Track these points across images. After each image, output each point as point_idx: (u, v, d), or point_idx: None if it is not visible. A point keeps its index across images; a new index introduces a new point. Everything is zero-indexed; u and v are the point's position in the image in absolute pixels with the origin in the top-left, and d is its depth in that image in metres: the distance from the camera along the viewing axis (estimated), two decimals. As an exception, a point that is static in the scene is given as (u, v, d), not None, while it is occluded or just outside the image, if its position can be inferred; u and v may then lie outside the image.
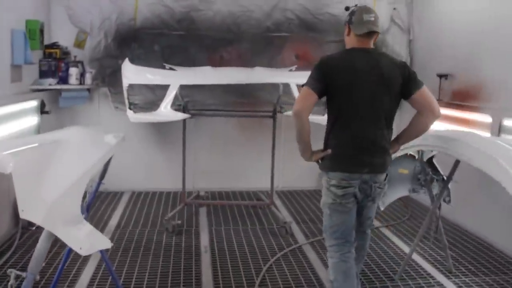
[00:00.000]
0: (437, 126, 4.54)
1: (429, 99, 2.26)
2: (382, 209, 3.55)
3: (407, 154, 3.16)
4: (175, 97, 3.72)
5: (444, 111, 4.58)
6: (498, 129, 3.67)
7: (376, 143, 2.25)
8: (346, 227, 2.31)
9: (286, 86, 3.97)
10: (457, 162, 2.90)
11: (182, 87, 3.83)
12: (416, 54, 4.91)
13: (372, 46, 2.30)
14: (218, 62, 4.76)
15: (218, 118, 4.66)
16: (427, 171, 3.29)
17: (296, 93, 3.86)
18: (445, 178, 3.12)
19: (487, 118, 3.82)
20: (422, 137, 2.60)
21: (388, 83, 2.22)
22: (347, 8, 2.43)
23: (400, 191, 3.50)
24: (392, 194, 3.49)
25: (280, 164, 5.09)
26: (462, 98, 4.16)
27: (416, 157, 3.26)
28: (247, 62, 4.70)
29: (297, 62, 4.86)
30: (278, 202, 4.72)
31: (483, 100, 3.89)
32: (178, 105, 4.00)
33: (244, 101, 4.87)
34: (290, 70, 4.22)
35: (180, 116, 3.73)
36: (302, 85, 2.25)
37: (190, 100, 4.72)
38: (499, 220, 3.59)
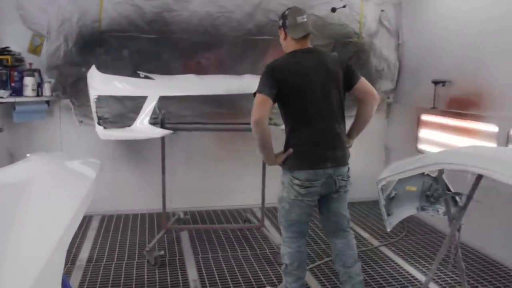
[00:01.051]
0: (432, 134, 4.47)
1: (368, 86, 2.46)
2: (388, 230, 3.22)
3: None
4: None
5: (440, 119, 4.40)
6: (506, 140, 3.43)
7: (336, 136, 2.39)
8: (305, 221, 2.48)
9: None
10: (479, 178, 2.61)
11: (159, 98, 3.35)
12: (407, 59, 4.63)
13: (309, 44, 2.43)
14: (194, 68, 4.29)
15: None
16: (436, 187, 3.01)
17: None
18: (457, 197, 2.84)
19: (492, 128, 3.58)
20: (443, 155, 2.43)
21: (334, 77, 2.36)
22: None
23: (408, 210, 3.18)
24: (399, 213, 3.16)
25: (268, 180, 4.69)
26: (462, 106, 3.90)
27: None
28: (227, 69, 4.27)
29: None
30: (266, 221, 4.30)
31: (487, 108, 3.64)
32: (154, 119, 3.51)
33: (224, 112, 4.42)
34: None
35: (159, 132, 3.23)
36: (254, 93, 2.33)
37: (165, 112, 4.25)
38: None
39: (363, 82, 2.46)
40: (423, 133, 4.41)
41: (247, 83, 3.56)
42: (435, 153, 3.20)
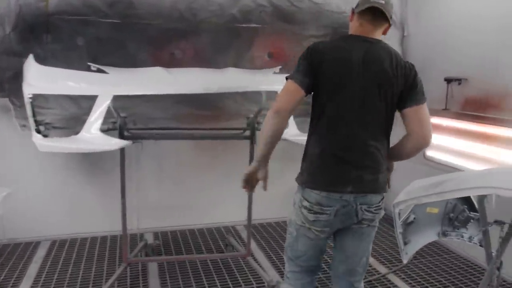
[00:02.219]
0: (444, 140, 3.91)
1: (424, 121, 1.88)
2: (405, 262, 2.68)
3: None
4: (108, 112, 2.51)
5: (453, 123, 3.87)
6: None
7: (368, 154, 1.84)
8: (314, 255, 1.99)
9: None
10: None
11: (117, 97, 2.62)
12: (413, 53, 4.04)
13: (377, 36, 1.89)
14: (167, 61, 3.57)
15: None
16: (462, 208, 2.48)
17: None
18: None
19: (519, 134, 3.06)
20: (488, 176, 2.06)
21: (387, 81, 1.82)
22: None
23: (427, 236, 2.63)
24: (417, 240, 2.63)
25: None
26: (480, 108, 3.36)
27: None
28: (206, 62, 3.57)
29: (270, 62, 3.82)
30: (252, 243, 3.64)
31: (511, 110, 3.12)
32: (112, 123, 2.79)
33: (204, 114, 3.73)
34: (275, 73, 3.15)
35: (115, 143, 2.48)
36: (286, 78, 1.86)
37: (130, 114, 3.51)
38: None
39: (421, 111, 1.86)
40: (433, 138, 3.84)
41: (230, 79, 2.88)
42: (472, 173, 2.66)
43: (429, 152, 3.87)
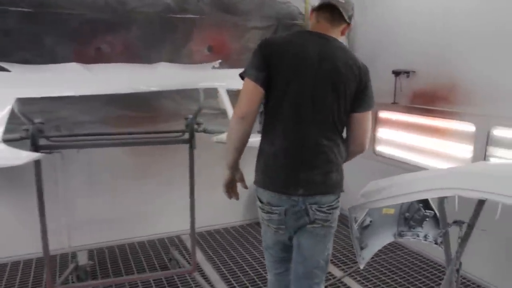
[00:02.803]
0: (393, 134, 3.79)
1: (366, 129, 1.86)
2: (361, 267, 2.53)
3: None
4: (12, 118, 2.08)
5: (402, 117, 3.78)
6: (485, 141, 2.87)
7: (319, 154, 1.78)
8: (280, 248, 1.97)
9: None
10: (480, 203, 1.98)
11: (33, 100, 2.21)
12: (360, 45, 3.90)
13: (334, 35, 1.81)
14: (92, 57, 3.14)
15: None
16: (418, 207, 2.39)
17: (228, 103, 2.57)
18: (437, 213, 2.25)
19: (468, 127, 3.01)
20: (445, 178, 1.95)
21: (340, 81, 1.75)
22: None
23: (384, 238, 2.52)
24: (374, 243, 2.52)
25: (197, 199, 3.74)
26: (429, 101, 3.29)
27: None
28: (138, 57, 3.20)
29: (210, 56, 3.51)
30: (199, 255, 3.35)
31: (460, 103, 3.06)
32: (25, 131, 2.37)
33: (138, 115, 3.35)
34: (214, 67, 2.84)
35: (26, 157, 2.00)
36: (241, 76, 1.78)
37: (51, 119, 3.07)
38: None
39: (365, 118, 1.84)
40: (382, 133, 3.76)
41: (162, 75, 2.54)
42: (430, 174, 2.55)
43: (379, 147, 3.77)
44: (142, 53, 3.29)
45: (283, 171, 1.78)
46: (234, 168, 1.87)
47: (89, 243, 3.36)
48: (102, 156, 3.26)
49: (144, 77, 2.43)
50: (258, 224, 3.98)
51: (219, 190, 4.51)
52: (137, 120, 3.36)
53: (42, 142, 2.54)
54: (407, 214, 2.45)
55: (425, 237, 2.44)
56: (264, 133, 1.84)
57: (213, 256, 3.35)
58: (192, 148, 2.70)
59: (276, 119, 1.77)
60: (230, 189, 1.95)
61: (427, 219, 2.40)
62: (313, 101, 1.73)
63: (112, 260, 3.24)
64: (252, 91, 1.72)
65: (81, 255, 3.25)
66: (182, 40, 3.41)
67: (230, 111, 2.68)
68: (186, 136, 2.76)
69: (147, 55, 3.28)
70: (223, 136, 2.59)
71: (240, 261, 3.28)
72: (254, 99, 1.72)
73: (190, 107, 3.29)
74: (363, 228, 2.41)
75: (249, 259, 3.31)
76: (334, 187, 1.82)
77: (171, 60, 3.31)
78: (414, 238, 2.48)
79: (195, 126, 2.88)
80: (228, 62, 3.54)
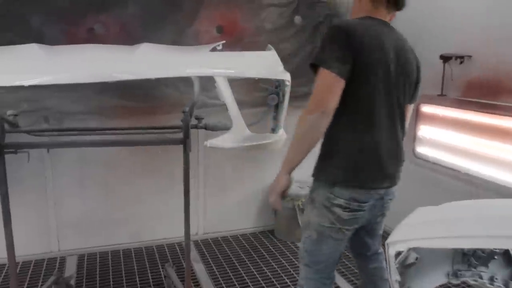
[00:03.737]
0: (439, 134, 2.92)
1: (408, 121, 1.87)
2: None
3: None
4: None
5: (451, 112, 3.06)
6: None
7: (400, 148, 1.79)
8: (334, 260, 1.82)
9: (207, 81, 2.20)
10: None
11: (16, 87, 1.86)
12: (399, 26, 3.22)
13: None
14: (85, 39, 2.78)
15: (91, 136, 2.69)
16: None
17: (229, 96, 2.10)
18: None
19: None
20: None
21: (411, 74, 1.74)
22: None
23: (434, 279, 1.87)
24: (421, 286, 1.89)
25: (200, 202, 3.31)
26: (487, 94, 2.59)
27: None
28: (136, 39, 2.76)
29: (220, 38, 3.03)
30: (200, 266, 2.91)
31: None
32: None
33: (136, 106, 2.96)
34: (215, 49, 2.32)
35: None
36: (314, 65, 1.60)
37: (37, 108, 2.76)
38: None
39: (412, 108, 1.90)
40: (425, 131, 3.08)
41: (144, 59, 2.07)
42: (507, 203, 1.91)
43: (421, 148, 3.11)
44: (141, 34, 2.87)
45: (373, 167, 1.69)
46: (290, 173, 1.69)
47: (80, 247, 3.03)
48: (93, 151, 2.88)
49: (116, 62, 1.98)
50: (271, 232, 3.48)
51: (228, 191, 3.93)
52: (134, 112, 2.98)
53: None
54: (466, 250, 1.83)
55: (491, 279, 1.80)
56: (349, 127, 1.67)
57: (216, 271, 2.89)
58: (187, 150, 2.23)
59: (361, 115, 1.66)
60: (282, 197, 1.72)
61: (496, 256, 1.76)
62: (396, 95, 1.68)
63: (102, 269, 2.88)
64: (335, 85, 1.56)
65: (71, 260, 2.95)
66: (187, 19, 2.96)
67: (231, 105, 2.19)
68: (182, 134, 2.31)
69: (146, 36, 2.82)
70: (220, 140, 2.11)
71: (246, 278, 2.80)
72: (338, 93, 1.57)
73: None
74: (406, 267, 1.82)
75: (258, 276, 2.83)
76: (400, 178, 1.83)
77: (175, 42, 2.89)
78: (476, 281, 1.84)
79: (195, 122, 2.44)
80: (240, 45, 3.06)
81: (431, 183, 2.99)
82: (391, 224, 1.65)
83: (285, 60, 2.73)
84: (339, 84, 1.56)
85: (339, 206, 1.68)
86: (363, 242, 1.96)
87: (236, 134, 2.18)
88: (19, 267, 2.87)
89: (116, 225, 3.10)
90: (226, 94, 2.15)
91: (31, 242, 2.91)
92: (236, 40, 3.05)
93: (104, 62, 1.93)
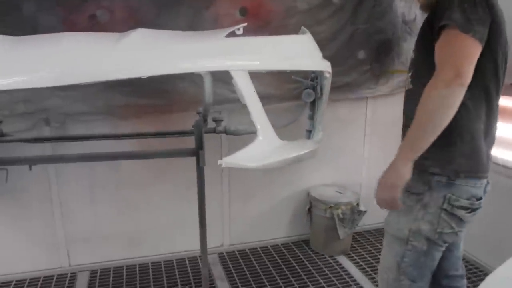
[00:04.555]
0: None
1: None
2: None
3: None
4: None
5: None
6: None
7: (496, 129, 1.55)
8: (431, 272, 1.59)
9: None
10: None
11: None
12: None
13: None
14: (85, 27, 2.39)
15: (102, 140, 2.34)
16: None
17: (250, 96, 1.73)
18: None
19: None
20: None
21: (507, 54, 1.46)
22: None
23: None
24: None
25: (224, 209, 2.94)
26: None
27: None
28: (146, 26, 2.36)
29: (243, 22, 2.56)
30: (224, 285, 2.57)
31: None
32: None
33: (150, 104, 2.58)
34: (233, 34, 1.84)
35: None
36: (442, 27, 1.32)
37: (37, 109, 2.43)
38: None
39: None
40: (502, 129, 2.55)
41: (125, 52, 1.60)
42: None
43: (496, 151, 2.57)
44: (151, 19, 2.45)
45: (486, 152, 1.48)
46: (416, 153, 1.36)
47: (92, 262, 2.74)
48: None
49: (90, 57, 1.54)
50: (306, 243, 3.09)
51: (256, 197, 3.44)
52: (147, 110, 2.61)
53: None
54: None
55: None
56: (470, 107, 1.40)
57: (242, 289, 2.55)
58: (200, 162, 1.83)
59: (482, 90, 1.42)
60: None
61: None
62: (500, 71, 1.44)
63: (116, 286, 2.57)
64: (475, 53, 1.30)
65: (82, 276, 2.66)
66: (204, 0, 2.51)
67: (255, 108, 1.78)
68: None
69: (157, 22, 2.44)
70: (239, 158, 1.70)
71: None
72: (473, 62, 1.30)
73: (217, 90, 2.45)
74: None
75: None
76: None
77: (190, 28, 2.47)
78: None
79: (212, 124, 2.06)
80: (268, 29, 2.59)
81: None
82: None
83: (322, 45, 2.26)
84: (478, 52, 1.30)
85: (462, 207, 1.45)
86: (455, 257, 1.70)
87: (262, 147, 1.76)
88: (26, 284, 2.61)
89: (131, 237, 2.78)
90: (246, 93, 1.73)
91: (38, 256, 2.64)
92: (263, 23, 2.58)
93: (73, 59, 1.49)
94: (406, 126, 1.49)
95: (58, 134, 2.51)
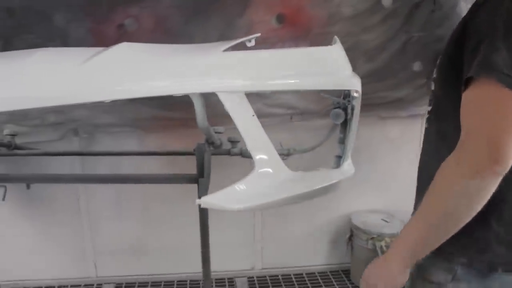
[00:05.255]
0: None
1: None
2: None
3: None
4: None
5: None
6: None
7: None
8: None
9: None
10: None
11: None
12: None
13: None
14: (113, 37, 2.30)
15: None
16: None
17: (242, 118, 1.47)
18: None
19: None
20: None
21: None
22: None
23: None
24: None
25: (257, 230, 2.76)
26: None
27: None
28: (174, 35, 2.25)
29: (280, 30, 2.32)
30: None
31: None
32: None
33: (176, 116, 2.45)
34: (248, 45, 1.57)
35: None
36: (468, 79, 0.90)
37: (65, 120, 2.42)
38: None
39: None
40: None
41: (91, 73, 1.36)
42: None
43: None
44: (180, 28, 2.31)
45: None
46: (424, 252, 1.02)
47: (118, 275, 2.70)
48: (132, 167, 2.48)
49: (56, 76, 1.35)
50: (346, 273, 2.79)
51: (292, 218, 3.25)
52: (175, 123, 2.49)
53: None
54: None
55: None
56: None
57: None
58: (199, 194, 1.65)
59: None
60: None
61: None
62: None
63: (139, 303, 2.52)
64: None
65: (108, 288, 2.63)
66: (237, 7, 2.29)
67: (249, 134, 1.52)
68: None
69: (187, 31, 2.29)
70: (218, 198, 1.47)
71: None
72: None
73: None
74: None
75: None
76: None
77: (222, 37, 2.27)
78: None
79: (228, 146, 1.88)
80: (307, 38, 2.32)
81: None
82: None
83: (369, 55, 1.96)
84: None
85: None
86: None
87: (260, 182, 1.51)
88: (55, 291, 2.64)
89: (158, 252, 2.70)
90: (239, 118, 1.48)
91: (66, 264, 2.67)
92: (302, 32, 2.31)
93: (30, 81, 1.31)
94: (420, 188, 1.15)
95: (86, 145, 2.50)
